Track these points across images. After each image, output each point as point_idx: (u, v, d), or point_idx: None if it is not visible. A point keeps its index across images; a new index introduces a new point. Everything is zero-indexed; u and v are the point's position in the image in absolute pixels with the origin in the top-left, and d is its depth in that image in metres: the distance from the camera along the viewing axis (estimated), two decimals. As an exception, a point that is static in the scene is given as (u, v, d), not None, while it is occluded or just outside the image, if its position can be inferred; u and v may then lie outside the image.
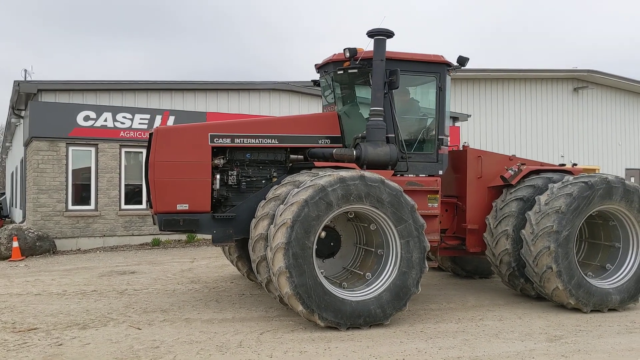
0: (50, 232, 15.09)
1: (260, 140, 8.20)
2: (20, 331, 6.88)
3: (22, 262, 13.31)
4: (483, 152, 9.28)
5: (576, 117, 27.30)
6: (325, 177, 6.95)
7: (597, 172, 23.35)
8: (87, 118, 15.55)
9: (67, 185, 15.49)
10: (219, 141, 7.97)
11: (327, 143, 8.48)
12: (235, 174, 8.11)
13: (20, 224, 16.28)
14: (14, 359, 5.79)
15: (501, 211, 8.48)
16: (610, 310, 7.95)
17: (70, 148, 15.53)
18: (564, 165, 9.40)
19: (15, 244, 13.87)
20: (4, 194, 32.92)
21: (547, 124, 26.44)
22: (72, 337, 6.61)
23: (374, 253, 7.51)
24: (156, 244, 16.10)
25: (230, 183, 8.09)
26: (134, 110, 16.15)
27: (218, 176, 7.97)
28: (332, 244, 7.78)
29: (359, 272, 7.57)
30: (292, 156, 8.45)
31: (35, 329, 7.00)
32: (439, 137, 8.54)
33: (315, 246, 6.82)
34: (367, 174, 7.12)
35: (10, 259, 13.68)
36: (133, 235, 16.16)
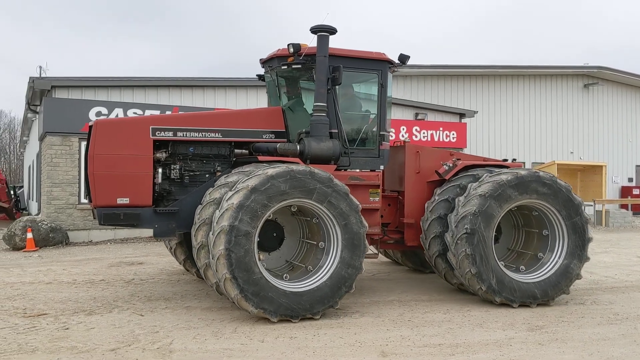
0: (63, 224, 15.60)
1: (203, 134, 8.09)
2: (30, 316, 7.31)
3: (36, 253, 13.82)
4: (421, 148, 9.31)
5: (586, 114, 27.30)
6: (254, 177, 6.95)
7: (603, 169, 23.32)
8: (99, 114, 16.00)
9: (79, 179, 15.96)
10: (161, 134, 7.86)
11: (271, 138, 8.44)
12: (178, 167, 7.99)
13: (35, 217, 16.82)
14: (23, 341, 6.20)
15: (430, 213, 8.47)
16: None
17: (83, 143, 15.92)
18: (506, 160, 9.47)
19: (30, 235, 14.39)
20: (22, 187, 33.49)
21: (556, 120, 26.48)
22: (79, 322, 7.02)
23: (319, 237, 7.56)
24: (165, 236, 16.51)
25: (173, 177, 7.99)
26: (144, 106, 16.57)
27: (160, 170, 7.85)
28: (275, 234, 7.79)
29: (301, 264, 7.70)
30: (236, 150, 8.38)
31: (44, 314, 7.43)
32: (381, 132, 8.67)
33: (256, 243, 6.89)
34: (295, 167, 7.17)
35: (25, 250, 14.20)
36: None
